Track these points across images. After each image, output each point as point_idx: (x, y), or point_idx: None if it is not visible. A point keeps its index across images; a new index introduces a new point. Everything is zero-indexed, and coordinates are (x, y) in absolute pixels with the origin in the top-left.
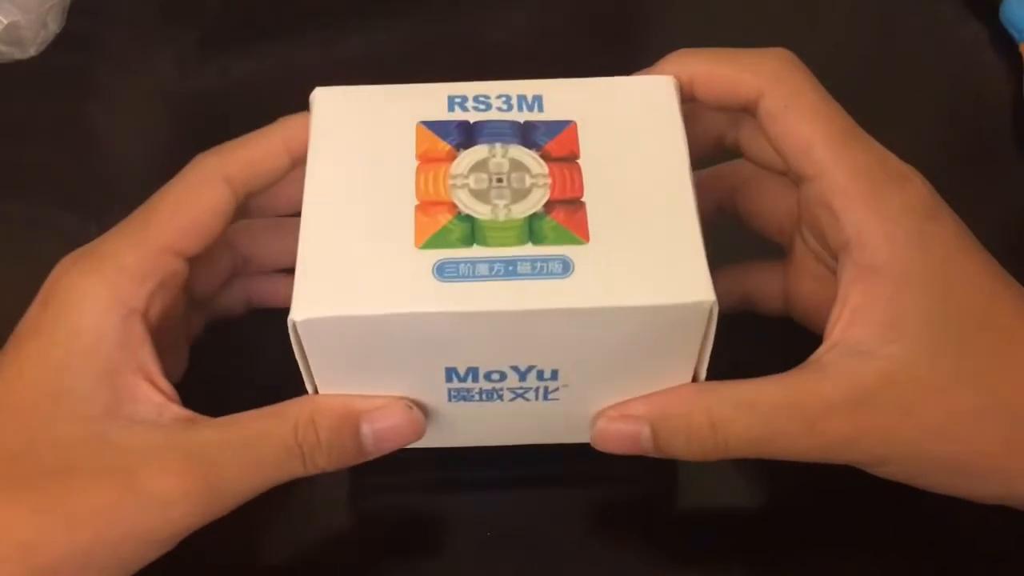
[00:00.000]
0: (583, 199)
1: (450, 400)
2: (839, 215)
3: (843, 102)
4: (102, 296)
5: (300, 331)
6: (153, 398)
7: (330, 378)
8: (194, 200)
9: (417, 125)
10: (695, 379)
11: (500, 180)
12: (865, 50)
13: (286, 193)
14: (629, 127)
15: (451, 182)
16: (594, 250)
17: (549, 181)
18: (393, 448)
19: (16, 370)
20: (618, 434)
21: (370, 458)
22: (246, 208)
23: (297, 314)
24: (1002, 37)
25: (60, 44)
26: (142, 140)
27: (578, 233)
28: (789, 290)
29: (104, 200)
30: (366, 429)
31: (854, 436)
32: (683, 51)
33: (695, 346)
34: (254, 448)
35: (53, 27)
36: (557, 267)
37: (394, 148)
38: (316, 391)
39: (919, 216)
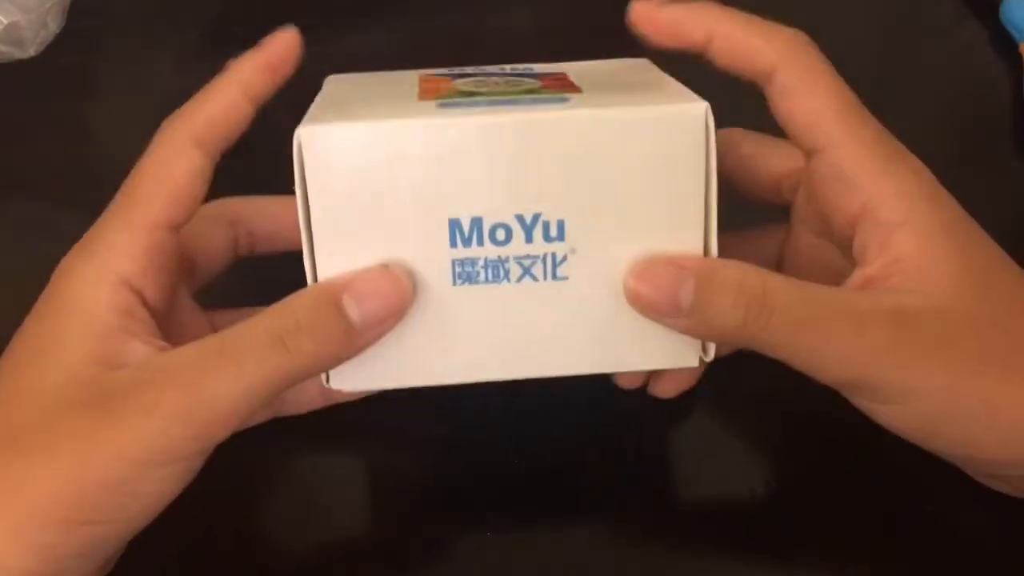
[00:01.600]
0: (574, 82)
1: (455, 283)
2: (852, 180)
3: None
4: (93, 269)
5: (304, 146)
6: (148, 350)
7: (329, 231)
8: (170, 171)
9: (419, 75)
10: (707, 254)
11: (497, 82)
12: (865, 50)
13: (287, 228)
14: (614, 75)
15: (452, 83)
16: (588, 95)
17: (541, 83)
18: (384, 320)
19: (19, 337)
20: (660, 276)
21: (363, 341)
22: (249, 247)
23: (303, 127)
24: (1002, 37)
25: (60, 44)
26: (142, 140)
27: (572, 91)
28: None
29: (104, 200)
30: (348, 301)
31: (897, 350)
32: (709, 3)
33: (699, 184)
34: (231, 351)
35: (53, 27)
36: (556, 101)
37: (398, 78)
38: (314, 268)
39: (925, 180)
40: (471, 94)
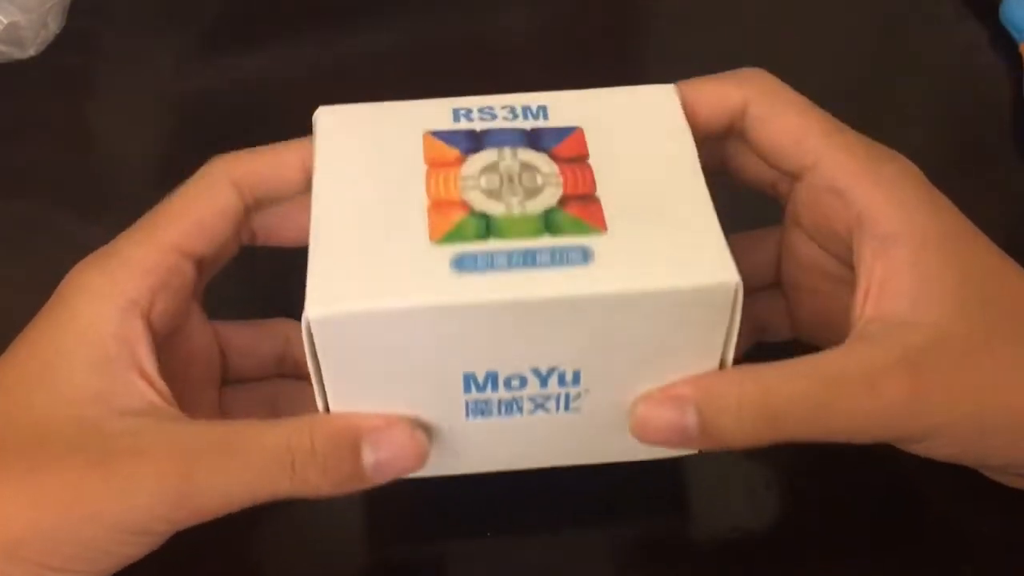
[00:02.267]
0: (596, 194)
1: (468, 417)
2: (845, 192)
3: (843, 102)
4: (103, 286)
5: (315, 330)
6: (146, 394)
7: (343, 388)
8: (202, 201)
9: (424, 134)
10: (722, 365)
11: (511, 180)
12: (865, 50)
13: (295, 220)
14: (634, 129)
15: (462, 183)
16: (612, 239)
17: (561, 179)
18: (394, 473)
19: (12, 353)
20: (660, 419)
21: (367, 484)
22: (252, 232)
23: (312, 311)
24: (1002, 37)
25: (60, 44)
26: (142, 140)
27: (595, 224)
28: (793, 314)
29: (104, 200)
30: (366, 448)
31: (917, 396)
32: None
33: (720, 336)
34: (241, 450)
35: (53, 27)
36: (577, 256)
37: (401, 156)
38: (326, 406)
39: (919, 185)
40: (485, 220)
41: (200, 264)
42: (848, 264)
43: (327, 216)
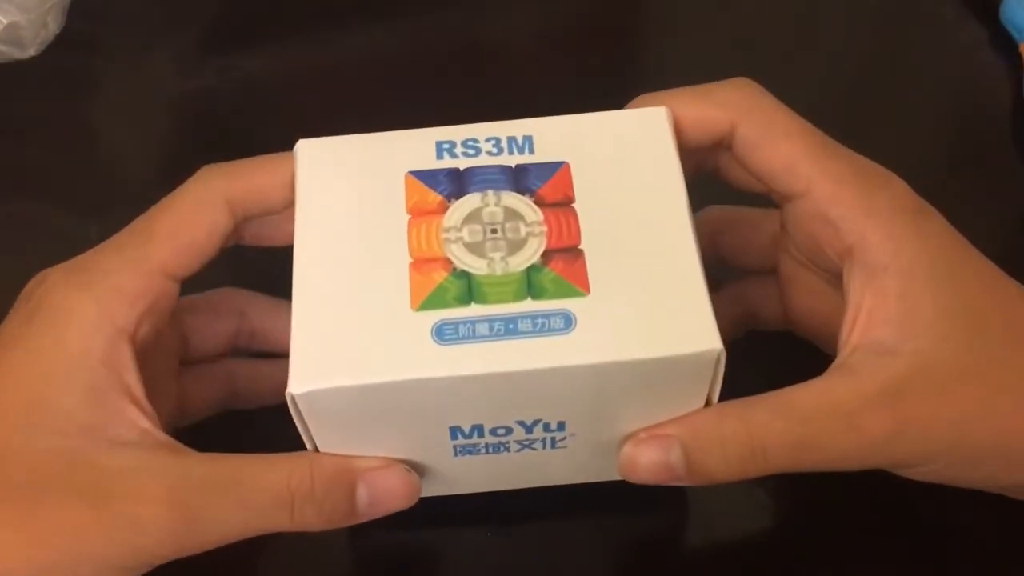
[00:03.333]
0: (581, 247)
1: (456, 455)
2: (837, 223)
3: (843, 102)
4: (91, 313)
5: (299, 404)
6: (137, 422)
7: (331, 442)
8: (194, 221)
9: (406, 176)
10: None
11: (495, 231)
12: (865, 50)
13: (277, 225)
14: (623, 165)
15: (444, 235)
16: (595, 302)
17: (545, 229)
18: (385, 512)
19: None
20: (646, 459)
21: (359, 521)
22: (239, 236)
23: (295, 387)
24: (1002, 37)
25: (60, 44)
26: (142, 140)
27: (578, 284)
28: (787, 307)
29: (104, 200)
30: (362, 489)
31: (897, 429)
32: (644, 97)
33: (703, 389)
34: (242, 490)
35: (53, 27)
36: (559, 323)
37: (383, 201)
38: (316, 451)
39: (910, 212)
40: (467, 282)
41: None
42: (837, 279)
43: (309, 278)
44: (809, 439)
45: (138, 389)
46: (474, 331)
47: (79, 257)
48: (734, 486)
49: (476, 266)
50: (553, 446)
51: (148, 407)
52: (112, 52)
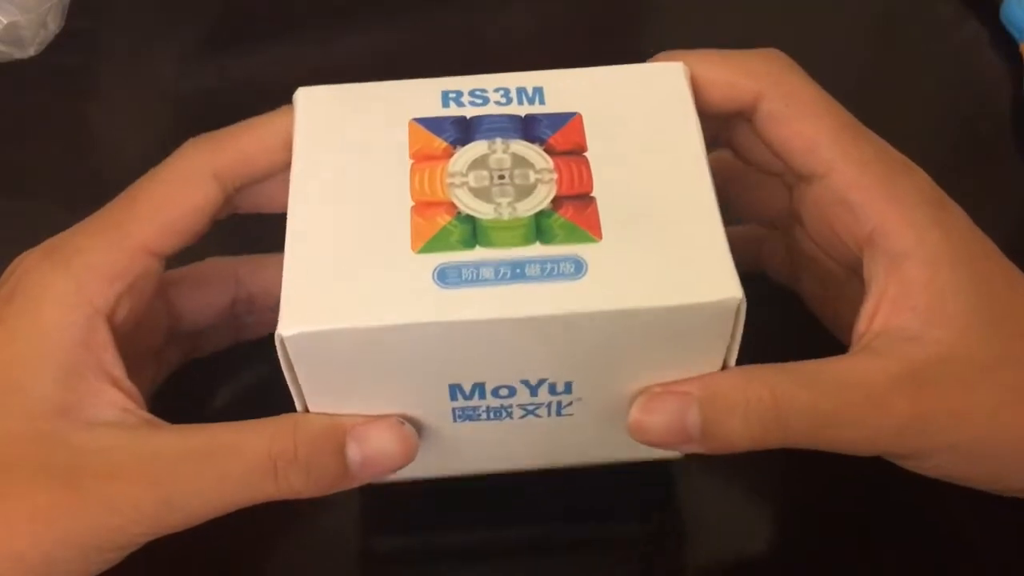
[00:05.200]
0: (593, 194)
1: (455, 420)
2: (857, 209)
3: (843, 102)
4: (68, 293)
5: (289, 347)
6: (116, 401)
7: (322, 398)
8: (179, 198)
9: (409, 122)
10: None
11: (502, 177)
12: (865, 50)
13: (273, 191)
14: (638, 117)
15: (449, 180)
16: (608, 248)
17: (555, 176)
18: (382, 472)
19: None
20: (662, 414)
21: (355, 484)
22: (233, 206)
23: (285, 328)
24: (1002, 37)
25: (60, 44)
26: (142, 140)
27: (590, 230)
28: (795, 283)
29: (104, 200)
30: (352, 447)
31: (923, 414)
32: (671, 53)
33: (721, 346)
34: (220, 461)
35: (53, 27)
36: (569, 268)
37: (385, 147)
38: (306, 411)
39: (932, 202)
40: (472, 226)
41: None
42: (848, 267)
43: (305, 218)
44: (833, 414)
45: (117, 368)
46: (478, 275)
47: (58, 236)
48: (731, 491)
49: (482, 211)
50: (559, 413)
51: (128, 386)
52: (112, 52)
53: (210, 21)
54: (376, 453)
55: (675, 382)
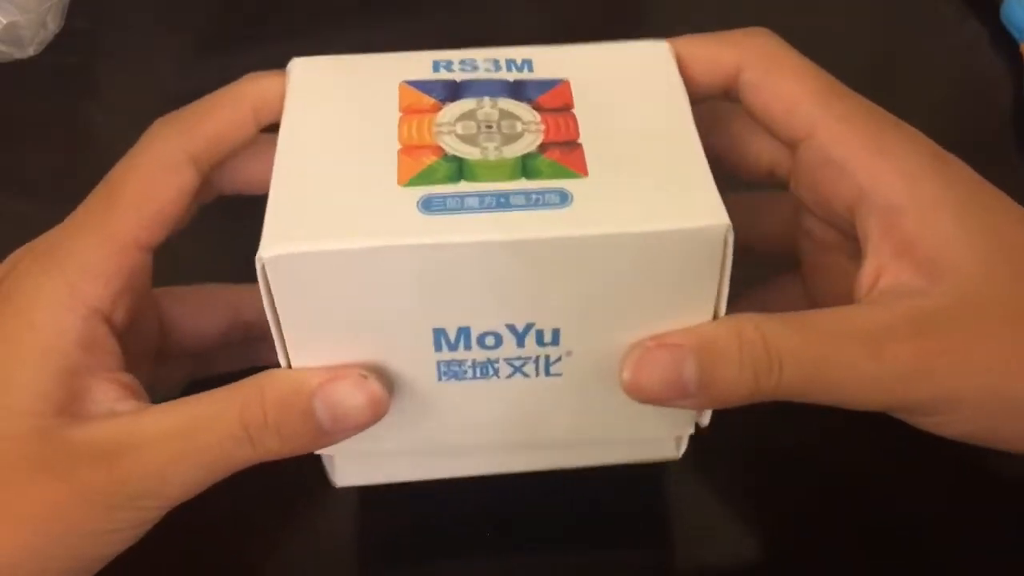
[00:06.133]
0: (579, 140)
1: (440, 379)
2: (843, 165)
3: None
4: (63, 296)
5: (269, 271)
6: (115, 394)
7: (303, 338)
8: (160, 186)
9: (400, 84)
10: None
11: (489, 127)
12: (865, 50)
13: (254, 169)
14: (625, 83)
15: (436, 129)
16: (594, 182)
17: (542, 127)
18: (355, 428)
19: None
20: (656, 369)
21: (332, 440)
22: (215, 187)
23: (266, 250)
24: (1002, 37)
25: (59, 44)
26: None
27: (575, 168)
28: (804, 280)
29: None
30: (319, 406)
31: (924, 363)
32: (661, 38)
33: (712, 286)
34: (196, 436)
35: (52, 27)
36: (554, 198)
37: (375, 104)
38: (287, 358)
39: (926, 152)
40: (458, 164)
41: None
42: (855, 244)
43: (290, 155)
44: (827, 358)
45: (116, 365)
46: (463, 204)
47: (46, 236)
48: (730, 495)
49: (468, 152)
50: (547, 372)
51: (128, 379)
52: (112, 52)
53: (210, 21)
54: (344, 411)
55: (666, 334)
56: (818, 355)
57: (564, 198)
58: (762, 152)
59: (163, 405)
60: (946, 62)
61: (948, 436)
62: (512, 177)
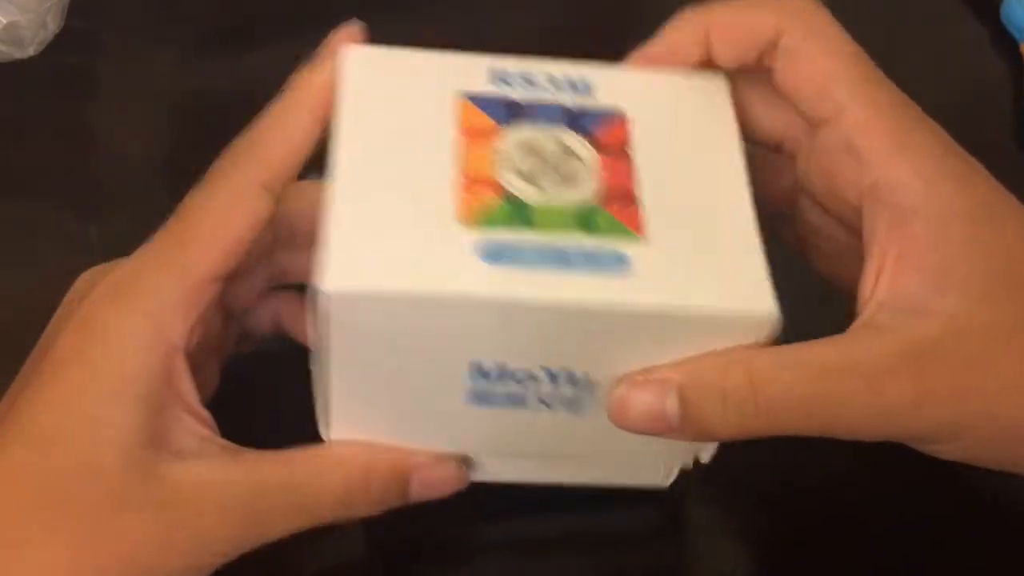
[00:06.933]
0: (635, 192)
1: (467, 402)
2: (862, 154)
3: None
4: (146, 334)
5: (330, 306)
6: (196, 430)
7: (346, 363)
8: (234, 220)
9: (458, 97)
10: None
11: (548, 163)
12: (865, 49)
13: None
14: (680, 122)
15: (496, 159)
16: (650, 247)
17: (600, 170)
18: (437, 498)
19: (54, 396)
20: (640, 403)
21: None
22: (283, 271)
23: (329, 283)
24: (1002, 37)
25: (59, 44)
26: (142, 140)
27: (633, 228)
28: (801, 245)
29: (104, 200)
30: (415, 484)
31: (922, 397)
32: (697, 6)
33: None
34: (303, 494)
35: (52, 27)
36: (612, 262)
37: (432, 119)
38: (327, 379)
39: (947, 153)
40: (518, 207)
41: None
42: (857, 236)
43: (349, 182)
44: (823, 396)
45: (192, 397)
46: (524, 256)
47: (122, 270)
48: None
49: (528, 193)
50: (574, 409)
51: (203, 412)
52: (112, 52)
53: (210, 21)
54: (433, 493)
55: (656, 367)
56: (811, 393)
57: (621, 262)
58: (776, 126)
59: (263, 456)
60: (946, 62)
61: (951, 459)
62: (571, 229)
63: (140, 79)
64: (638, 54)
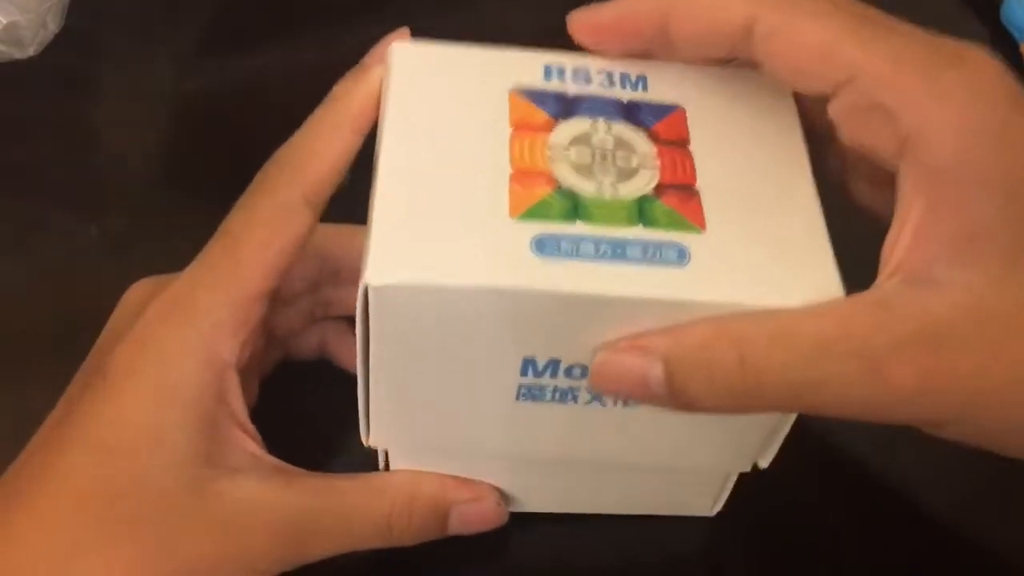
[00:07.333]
0: (696, 186)
1: (518, 399)
2: (893, 111)
3: None
4: (201, 353)
5: (373, 298)
6: (247, 447)
7: (388, 359)
8: (279, 236)
9: (510, 91)
10: None
11: (604, 157)
12: None
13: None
14: (740, 115)
15: (550, 153)
16: (712, 241)
17: (658, 163)
18: (477, 532)
19: (115, 410)
20: (621, 368)
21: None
22: (326, 304)
23: (374, 277)
24: (1002, 37)
25: (59, 44)
26: (142, 140)
27: (693, 220)
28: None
29: (104, 200)
30: (455, 519)
31: (929, 383)
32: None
33: None
34: (349, 521)
35: (52, 27)
36: (672, 254)
37: (484, 113)
38: (366, 375)
39: (992, 101)
40: (573, 201)
41: None
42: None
43: (395, 172)
44: (817, 380)
45: (243, 414)
46: (578, 249)
47: (176, 288)
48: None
49: (583, 187)
50: (625, 402)
51: (251, 428)
52: (112, 52)
53: (210, 21)
54: (473, 527)
55: (644, 333)
56: (805, 378)
57: (682, 255)
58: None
59: (305, 476)
60: None
61: (960, 443)
62: (629, 222)
63: (140, 79)
64: (583, 15)
